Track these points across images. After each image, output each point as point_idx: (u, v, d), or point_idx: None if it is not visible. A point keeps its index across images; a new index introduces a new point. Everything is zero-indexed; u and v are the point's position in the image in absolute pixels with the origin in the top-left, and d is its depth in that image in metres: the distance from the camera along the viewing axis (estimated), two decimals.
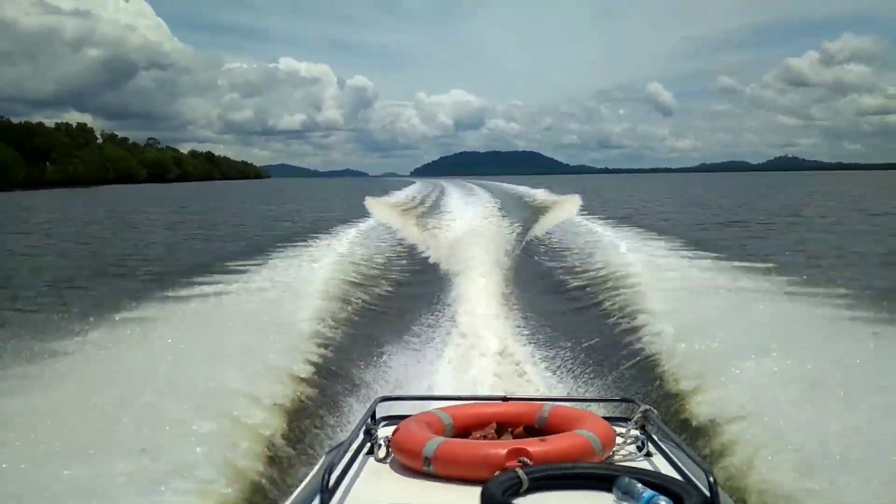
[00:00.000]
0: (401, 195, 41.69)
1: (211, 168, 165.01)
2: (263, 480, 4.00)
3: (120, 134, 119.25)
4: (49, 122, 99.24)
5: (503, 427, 2.39)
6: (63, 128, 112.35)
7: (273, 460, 4.24)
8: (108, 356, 5.58)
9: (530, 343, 7.43)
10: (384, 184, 72.97)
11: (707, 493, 1.69)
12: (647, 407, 2.31)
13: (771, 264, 10.87)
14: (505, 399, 2.57)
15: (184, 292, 9.25)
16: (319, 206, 41.32)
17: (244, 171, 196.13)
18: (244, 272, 11.25)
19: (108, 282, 12.75)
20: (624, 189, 65.43)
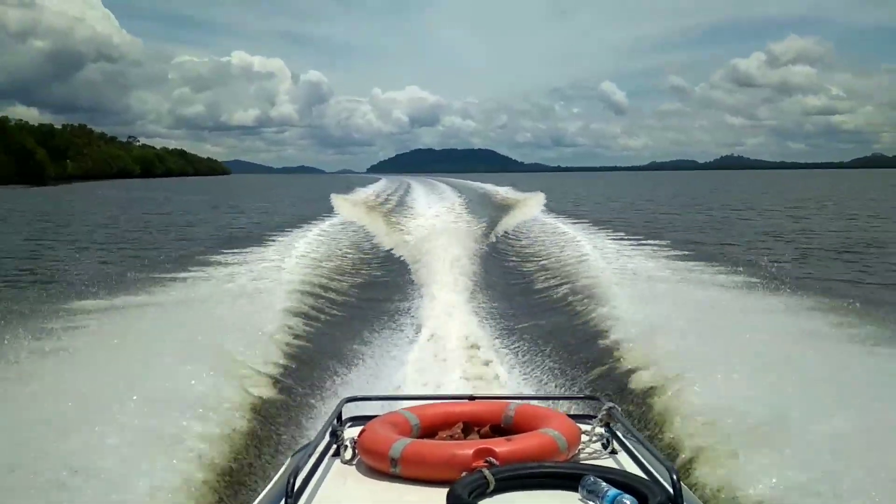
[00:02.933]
0: (367, 192, 41.46)
1: (185, 164, 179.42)
2: (227, 485, 3.92)
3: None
4: None
5: (470, 426, 2.39)
6: (68, 129, 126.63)
7: (237, 464, 4.16)
8: (61, 361, 5.38)
9: (497, 341, 7.47)
10: (349, 181, 72.81)
11: (671, 490, 1.71)
12: (612, 404, 2.34)
13: (732, 262, 11.19)
14: (472, 398, 2.57)
15: (142, 291, 9.03)
16: (285, 204, 40.80)
17: (212, 168, 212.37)
18: (207, 270, 11.06)
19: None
20: (572, 187, 66.90)
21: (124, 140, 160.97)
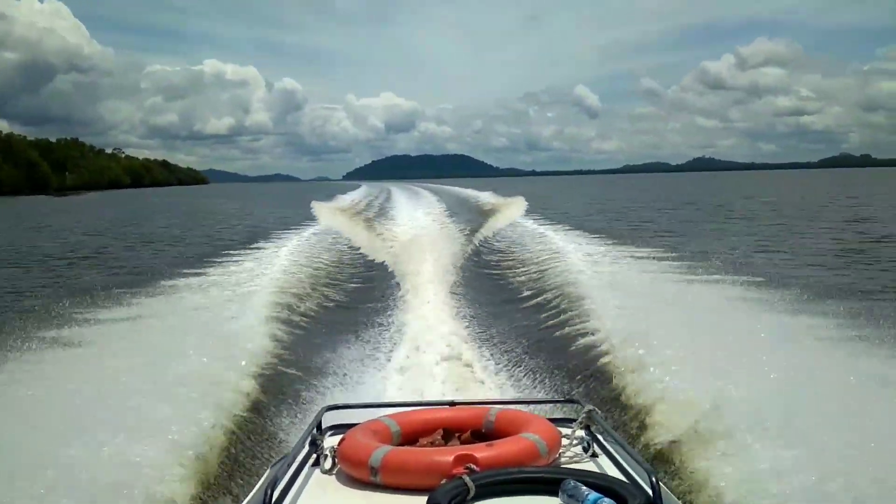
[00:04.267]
0: (348, 199, 41.32)
1: (169, 175, 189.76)
2: (206, 497, 3.86)
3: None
4: None
5: (450, 432, 2.39)
6: (63, 143, 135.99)
7: (215, 475, 4.10)
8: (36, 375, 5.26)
9: (479, 346, 7.48)
10: (328, 188, 72.97)
11: (650, 492, 1.72)
12: (592, 407, 2.35)
13: (712, 263, 11.33)
14: (452, 404, 2.57)
15: (121, 300, 8.88)
16: (265, 212, 40.57)
17: (194, 177, 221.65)
18: (188, 278, 10.93)
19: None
20: (548, 192, 67.81)
21: (109, 152, 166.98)
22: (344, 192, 51.99)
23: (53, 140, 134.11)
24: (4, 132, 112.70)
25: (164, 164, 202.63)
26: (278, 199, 63.05)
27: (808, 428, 3.73)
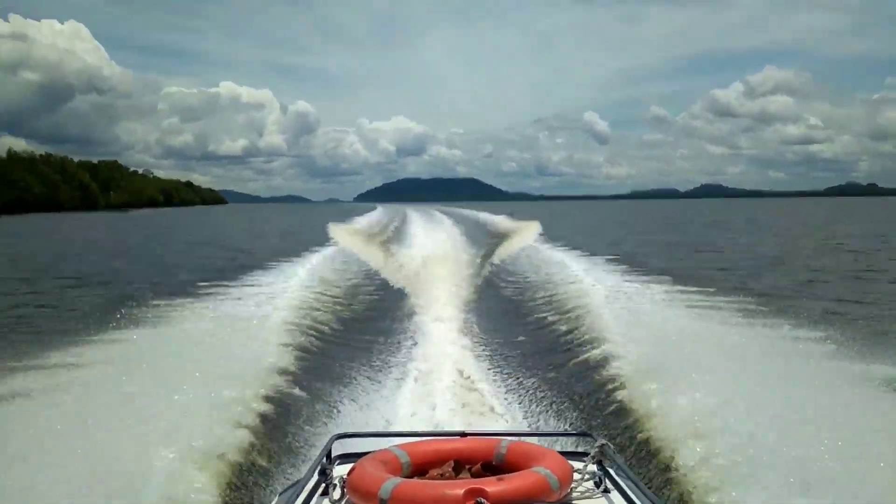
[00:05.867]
0: (364, 221, 41.63)
1: (193, 195, 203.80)
2: None
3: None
4: None
5: (461, 464, 2.36)
6: (105, 164, 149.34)
7: (224, 502, 4.07)
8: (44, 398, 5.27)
9: (491, 374, 7.41)
10: (343, 210, 74.05)
11: None
12: (604, 441, 2.32)
13: (726, 293, 11.18)
14: (463, 434, 2.55)
15: (135, 319, 8.96)
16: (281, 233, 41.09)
17: (214, 198, 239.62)
18: (199, 301, 10.99)
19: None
20: (558, 216, 68.10)
21: (140, 172, 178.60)
22: (360, 214, 52.46)
23: (96, 161, 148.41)
24: (23, 150, 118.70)
25: (189, 184, 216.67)
26: (294, 221, 64.56)
27: (834, 467, 3.62)
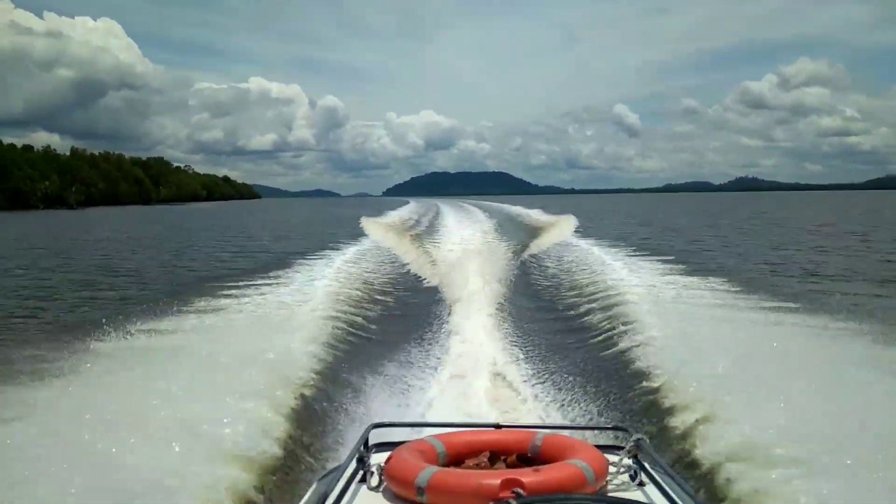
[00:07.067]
0: (397, 214, 41.88)
1: (231, 189, 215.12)
2: None
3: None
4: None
5: (496, 455, 2.39)
6: (154, 161, 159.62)
7: (263, 487, 4.19)
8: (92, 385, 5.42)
9: (525, 367, 7.39)
10: (378, 204, 74.79)
11: None
12: (640, 436, 2.31)
13: (771, 290, 10.90)
14: (498, 426, 2.57)
15: (173, 312, 9.22)
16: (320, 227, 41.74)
17: (250, 192, 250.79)
18: (238, 294, 11.23)
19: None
20: (593, 208, 67.41)
21: (183, 167, 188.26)
22: (393, 208, 52.80)
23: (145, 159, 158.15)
24: (55, 146, 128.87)
25: (226, 179, 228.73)
26: (329, 213, 65.89)
27: (874, 462, 3.55)
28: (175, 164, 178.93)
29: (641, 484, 2.16)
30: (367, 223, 27.63)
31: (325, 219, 51.54)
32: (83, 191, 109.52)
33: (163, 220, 53.94)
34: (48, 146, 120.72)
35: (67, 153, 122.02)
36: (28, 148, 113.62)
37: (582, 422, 5.70)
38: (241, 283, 12.46)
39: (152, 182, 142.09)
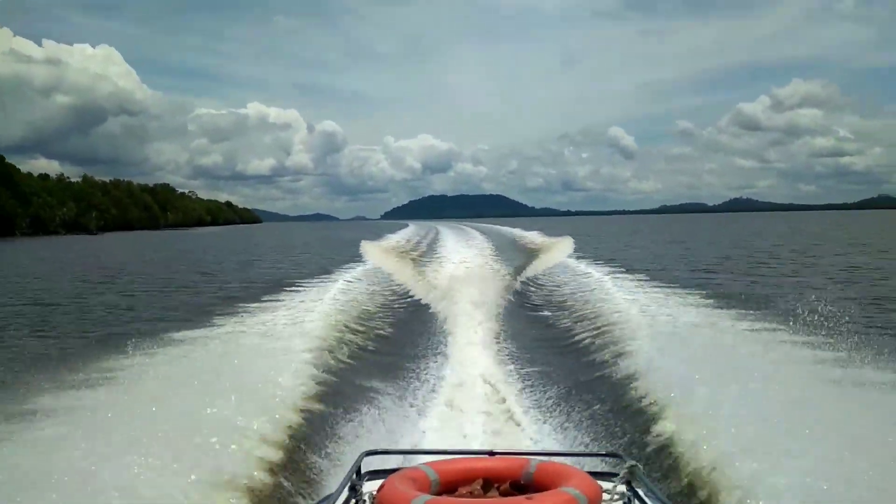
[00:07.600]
0: (396, 238, 41.94)
1: (233, 214, 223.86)
2: None
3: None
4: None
5: (490, 483, 2.36)
6: (160, 187, 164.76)
7: None
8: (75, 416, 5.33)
9: (520, 393, 7.34)
10: (382, 227, 75.24)
11: None
12: (634, 462, 2.30)
13: (765, 311, 10.85)
14: (491, 453, 2.55)
15: (164, 340, 9.15)
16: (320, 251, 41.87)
17: (251, 217, 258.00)
18: (229, 318, 11.18)
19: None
20: (590, 230, 67.68)
21: (187, 193, 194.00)
22: (392, 232, 52.87)
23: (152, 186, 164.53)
24: (55, 172, 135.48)
25: (229, 204, 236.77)
26: (327, 237, 66.34)
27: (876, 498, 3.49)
28: (179, 191, 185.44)
29: None
30: (366, 247, 27.64)
31: (326, 243, 52.27)
32: (100, 216, 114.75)
33: (181, 244, 56.77)
34: (62, 174, 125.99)
35: (70, 179, 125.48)
36: (44, 177, 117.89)
37: (576, 448, 5.64)
38: (238, 309, 12.40)
39: (160, 208, 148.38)
